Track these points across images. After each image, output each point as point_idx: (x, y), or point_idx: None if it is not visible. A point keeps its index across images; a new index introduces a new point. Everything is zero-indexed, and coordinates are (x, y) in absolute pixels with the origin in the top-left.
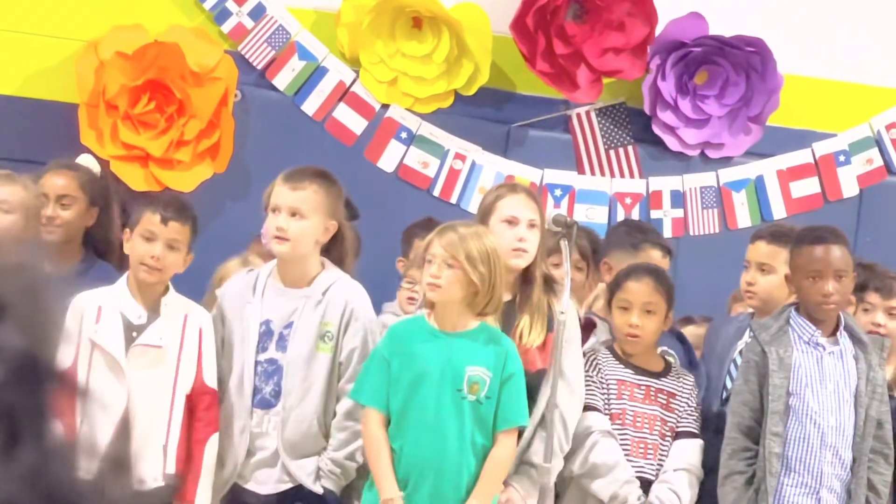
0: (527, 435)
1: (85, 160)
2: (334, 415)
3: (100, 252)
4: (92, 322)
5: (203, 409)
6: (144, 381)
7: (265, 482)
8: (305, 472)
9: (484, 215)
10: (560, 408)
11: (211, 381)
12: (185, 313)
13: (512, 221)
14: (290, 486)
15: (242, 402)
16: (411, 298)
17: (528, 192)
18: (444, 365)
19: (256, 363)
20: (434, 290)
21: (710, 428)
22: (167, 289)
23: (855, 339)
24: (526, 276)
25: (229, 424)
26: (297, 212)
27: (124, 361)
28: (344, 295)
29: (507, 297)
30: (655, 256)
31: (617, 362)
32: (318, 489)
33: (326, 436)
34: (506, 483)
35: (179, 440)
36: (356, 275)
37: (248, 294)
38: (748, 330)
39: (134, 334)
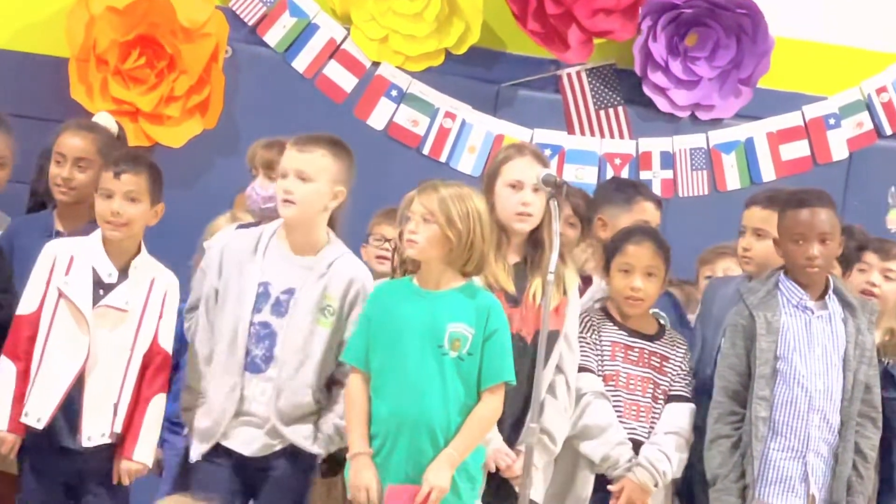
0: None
1: (103, 118)
2: (328, 384)
3: None
4: (62, 271)
5: (153, 370)
6: (105, 339)
7: (250, 443)
8: (302, 436)
9: (490, 179)
10: (565, 372)
11: (165, 344)
12: (153, 276)
13: (516, 185)
14: (276, 449)
15: (234, 361)
16: (381, 257)
17: (534, 154)
18: (425, 322)
19: (250, 324)
20: (411, 246)
21: (706, 391)
22: (139, 249)
23: (844, 303)
24: (534, 240)
25: (218, 382)
26: (304, 175)
27: (90, 316)
28: (349, 272)
29: (516, 259)
30: (649, 209)
31: (611, 324)
32: (316, 450)
33: (318, 406)
34: (517, 450)
35: (131, 400)
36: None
37: (249, 253)
38: None
39: (101, 292)
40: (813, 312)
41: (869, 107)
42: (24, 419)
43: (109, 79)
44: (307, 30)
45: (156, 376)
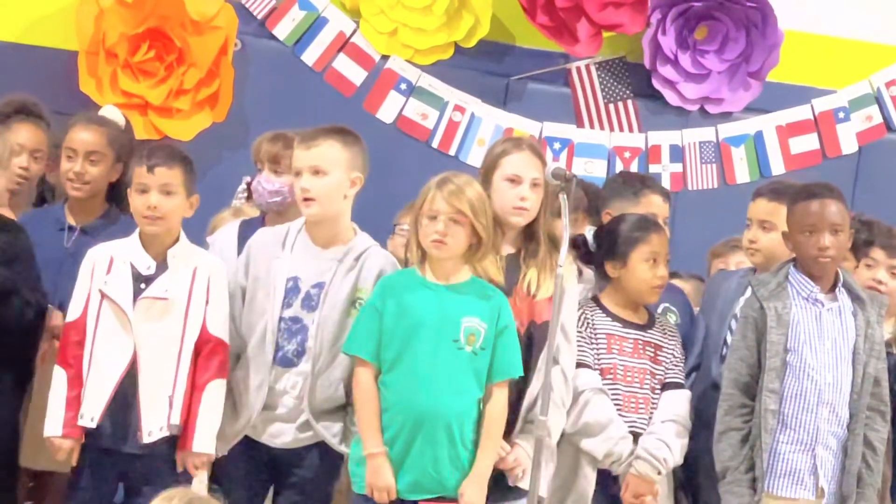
0: (531, 392)
1: (109, 112)
2: None
3: (123, 206)
4: (103, 273)
5: (204, 357)
6: (152, 333)
7: (278, 435)
8: (331, 433)
9: (488, 170)
10: (561, 364)
11: (215, 330)
12: (195, 264)
13: (514, 180)
14: (306, 443)
15: (263, 358)
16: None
17: (532, 149)
18: (440, 315)
19: (280, 319)
20: (440, 247)
21: (710, 383)
22: (178, 239)
23: (853, 296)
24: (529, 232)
25: (247, 378)
26: (317, 169)
27: (131, 312)
28: (379, 264)
29: (510, 250)
30: (657, 202)
31: (605, 315)
32: (343, 449)
33: (347, 399)
34: (512, 443)
35: (185, 391)
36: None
37: (276, 249)
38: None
39: (142, 286)
40: (823, 305)
41: (878, 100)
42: (80, 421)
43: (119, 72)
44: (316, 23)
45: (208, 362)
